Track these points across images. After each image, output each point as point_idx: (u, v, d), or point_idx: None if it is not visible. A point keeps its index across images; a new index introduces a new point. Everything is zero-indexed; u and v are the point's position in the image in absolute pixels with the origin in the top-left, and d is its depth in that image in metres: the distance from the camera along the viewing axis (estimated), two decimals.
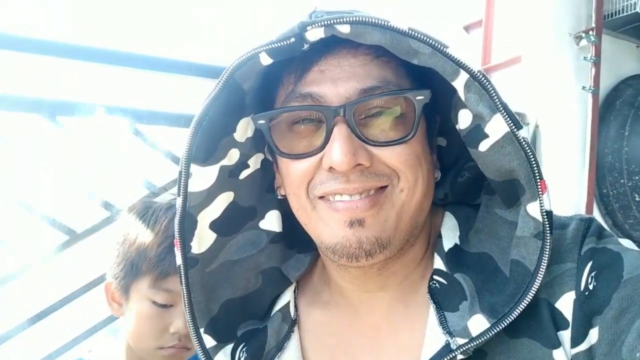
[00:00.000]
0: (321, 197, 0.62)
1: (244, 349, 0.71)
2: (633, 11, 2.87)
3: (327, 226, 0.62)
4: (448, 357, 0.59)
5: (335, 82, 0.59)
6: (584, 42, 2.79)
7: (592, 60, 2.77)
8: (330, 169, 0.59)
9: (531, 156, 0.57)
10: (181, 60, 1.56)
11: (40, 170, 1.40)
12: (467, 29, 3.49)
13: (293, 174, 0.63)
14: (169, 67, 1.55)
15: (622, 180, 2.86)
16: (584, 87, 2.77)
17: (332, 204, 0.61)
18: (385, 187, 0.61)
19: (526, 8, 2.95)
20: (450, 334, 0.60)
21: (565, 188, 2.78)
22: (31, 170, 1.39)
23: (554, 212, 0.65)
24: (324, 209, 0.62)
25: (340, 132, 0.58)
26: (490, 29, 3.28)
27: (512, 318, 0.58)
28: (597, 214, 2.94)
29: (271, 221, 0.74)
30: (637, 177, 2.83)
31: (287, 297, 0.75)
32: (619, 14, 2.92)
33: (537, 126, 2.78)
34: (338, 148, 0.57)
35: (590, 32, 2.78)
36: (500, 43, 3.21)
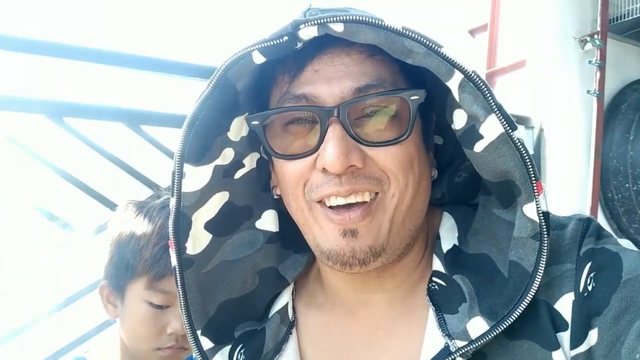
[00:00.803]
0: (318, 201, 0.62)
1: (241, 351, 0.71)
2: (638, 15, 2.86)
3: (322, 231, 0.62)
4: None
5: (329, 82, 0.59)
6: (589, 46, 2.79)
7: (597, 64, 2.76)
8: (324, 169, 0.59)
9: (526, 157, 0.56)
10: (189, 62, 1.57)
11: (46, 171, 1.41)
12: (472, 32, 3.49)
13: (288, 175, 0.63)
14: (176, 69, 1.55)
15: (627, 185, 2.85)
16: (588, 91, 2.76)
17: (327, 211, 0.61)
18: (376, 194, 0.60)
19: (531, 12, 2.95)
20: (449, 336, 0.59)
21: (569, 192, 2.77)
22: (37, 171, 1.40)
23: (556, 214, 0.65)
24: (321, 215, 0.62)
25: (334, 133, 0.57)
26: (495, 32, 3.27)
27: (511, 320, 0.57)
28: (601, 218, 2.93)
29: (267, 221, 0.73)
30: None
31: (285, 298, 0.74)
32: (624, 17, 2.91)
33: (541, 130, 2.77)
34: (332, 149, 0.57)
35: (596, 36, 2.77)
36: (505, 47, 3.20)
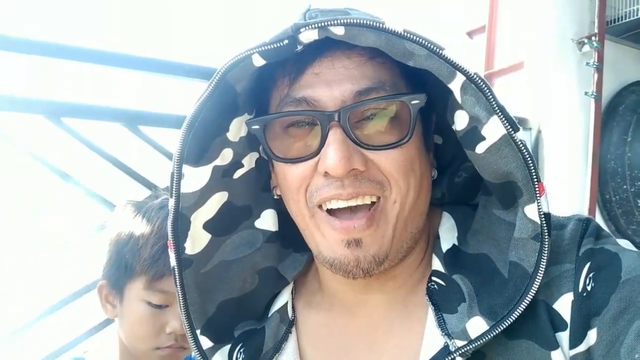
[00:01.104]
0: (319, 206, 0.62)
1: (241, 350, 0.71)
2: (636, 17, 2.87)
3: (325, 239, 0.62)
4: (447, 359, 0.59)
5: (329, 85, 0.59)
6: (586, 47, 2.79)
7: (594, 66, 2.76)
8: (326, 173, 0.59)
9: (528, 158, 0.57)
10: (187, 63, 1.56)
11: (44, 171, 1.41)
12: (470, 34, 3.49)
13: (290, 179, 0.63)
14: (174, 70, 1.55)
15: (624, 186, 2.85)
16: (586, 93, 2.76)
17: (330, 219, 0.61)
18: (379, 200, 0.60)
19: (529, 14, 2.95)
20: (448, 335, 0.60)
21: (567, 193, 2.77)
22: (35, 171, 1.39)
23: (555, 214, 0.65)
24: (323, 221, 0.62)
25: (335, 137, 0.57)
26: (493, 34, 3.28)
27: (511, 320, 0.57)
28: (599, 220, 2.94)
29: (267, 220, 0.74)
30: (639, 183, 2.82)
31: (284, 297, 0.74)
32: (621, 19, 2.92)
33: (539, 131, 2.77)
34: (333, 153, 0.57)
35: (593, 38, 2.77)
36: (503, 49, 3.21)
